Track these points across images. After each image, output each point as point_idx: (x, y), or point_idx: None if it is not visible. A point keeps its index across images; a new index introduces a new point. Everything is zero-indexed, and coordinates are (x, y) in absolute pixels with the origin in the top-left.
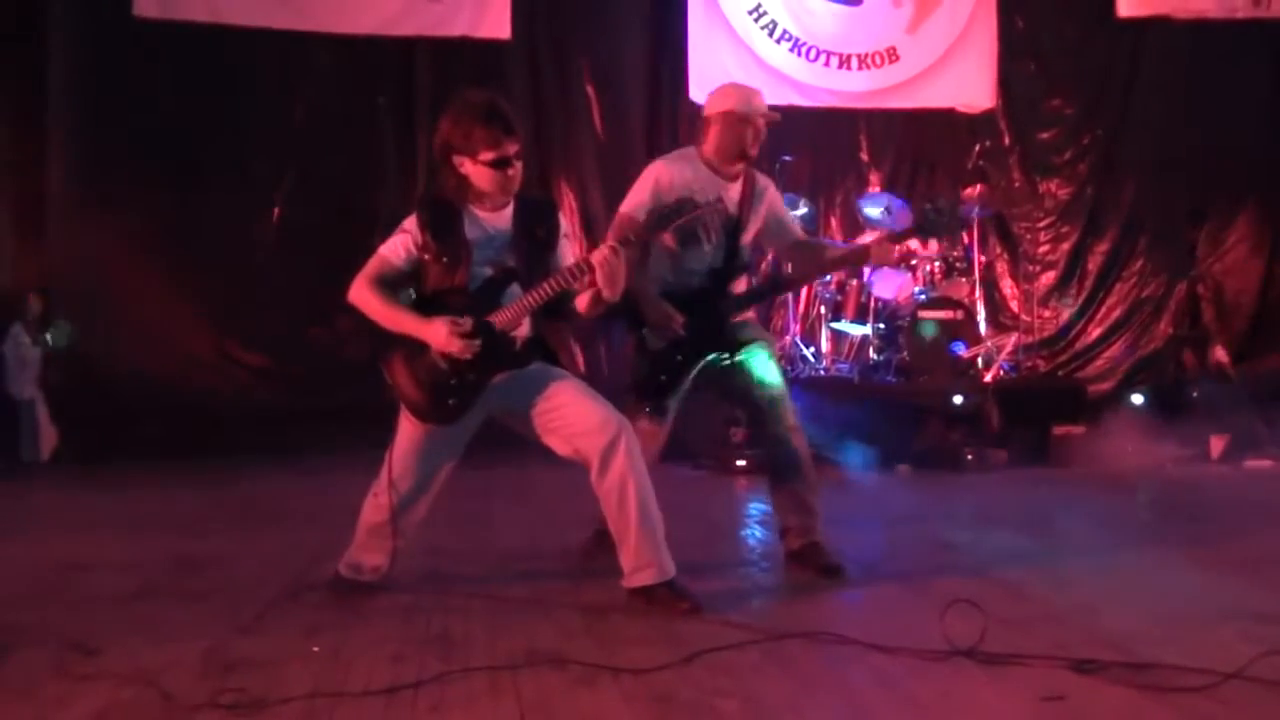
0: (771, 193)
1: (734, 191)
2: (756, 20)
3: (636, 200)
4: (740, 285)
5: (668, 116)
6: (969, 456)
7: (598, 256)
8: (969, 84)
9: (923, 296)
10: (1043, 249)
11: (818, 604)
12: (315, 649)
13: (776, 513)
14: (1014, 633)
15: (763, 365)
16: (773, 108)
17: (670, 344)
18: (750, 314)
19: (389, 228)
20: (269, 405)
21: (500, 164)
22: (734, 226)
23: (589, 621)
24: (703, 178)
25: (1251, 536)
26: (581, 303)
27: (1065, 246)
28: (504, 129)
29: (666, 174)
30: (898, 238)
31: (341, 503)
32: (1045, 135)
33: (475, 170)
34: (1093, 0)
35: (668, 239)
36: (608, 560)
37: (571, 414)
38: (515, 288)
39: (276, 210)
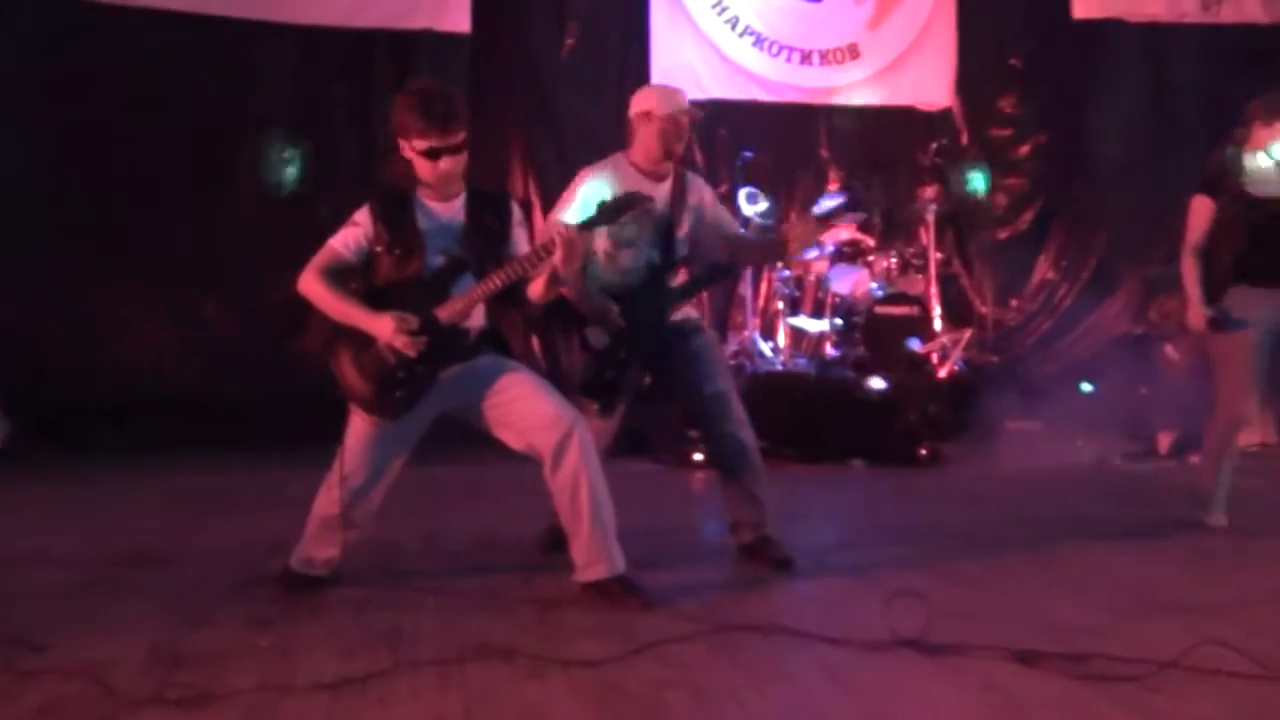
0: (699, 188)
1: (663, 191)
2: (720, 15)
3: (566, 205)
4: (678, 279)
5: None
6: (922, 451)
7: (561, 234)
8: (928, 82)
9: (879, 293)
10: (997, 246)
11: (767, 597)
12: (264, 643)
13: (727, 507)
14: (959, 624)
15: (709, 360)
16: (735, 103)
17: (613, 341)
18: (694, 310)
19: (344, 219)
20: (224, 397)
21: (431, 154)
22: (666, 224)
23: (540, 615)
24: (630, 181)
25: (1193, 530)
26: (536, 288)
27: (1020, 243)
28: (434, 119)
29: (595, 180)
30: (827, 216)
31: (295, 496)
32: (1002, 133)
33: (413, 157)
34: (1050, 1)
35: (600, 243)
36: (559, 554)
37: (525, 408)
38: (468, 278)
39: (231, 201)
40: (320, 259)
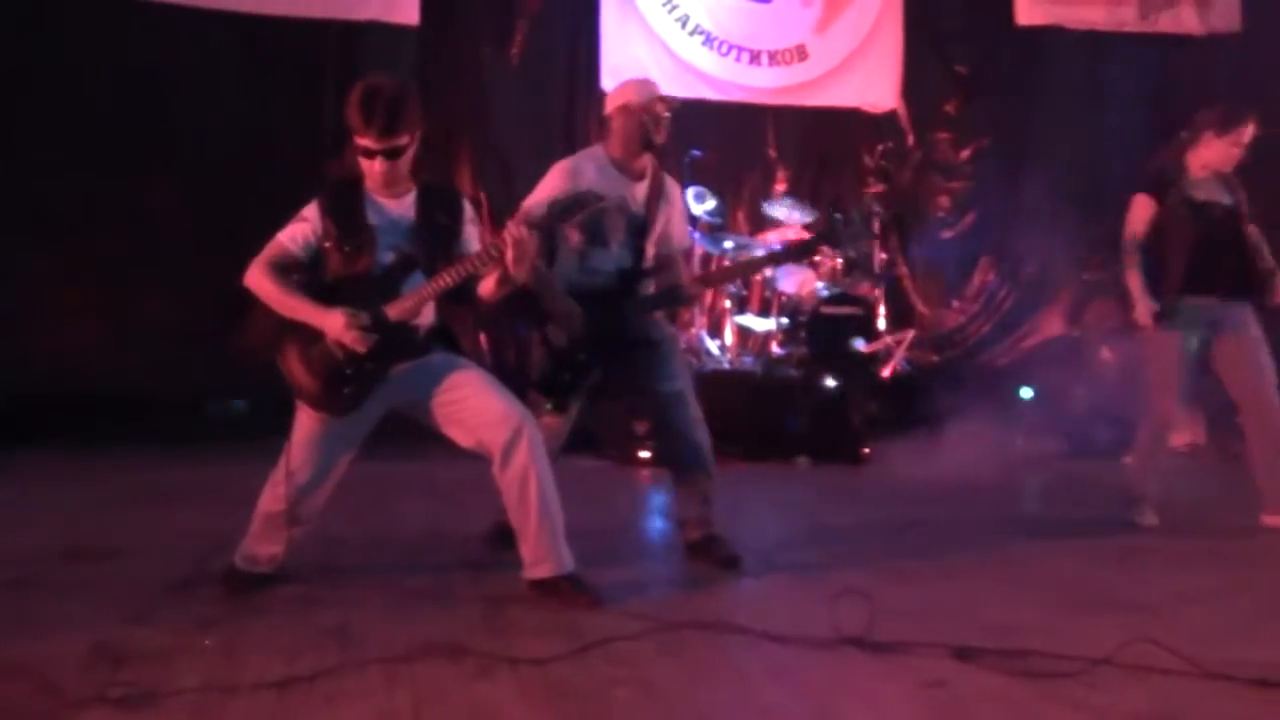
0: (674, 197)
1: (640, 191)
2: (670, 13)
3: (541, 196)
4: (650, 287)
5: (583, 107)
6: (865, 450)
7: (511, 233)
8: (874, 84)
9: (825, 293)
10: (942, 247)
11: (715, 594)
12: (207, 642)
13: (677, 504)
14: (900, 621)
15: (667, 360)
16: (684, 101)
17: (573, 342)
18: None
19: (290, 212)
20: (167, 391)
21: (366, 154)
22: (640, 226)
23: (488, 613)
24: (609, 176)
25: (1125, 529)
26: (486, 286)
27: (962, 246)
28: (369, 120)
29: (572, 171)
30: (798, 252)
31: (241, 492)
32: (946, 136)
33: (357, 152)
34: (994, 6)
35: (573, 236)
36: (508, 551)
37: (474, 405)
38: (418, 275)
39: (174, 191)
40: (267, 253)
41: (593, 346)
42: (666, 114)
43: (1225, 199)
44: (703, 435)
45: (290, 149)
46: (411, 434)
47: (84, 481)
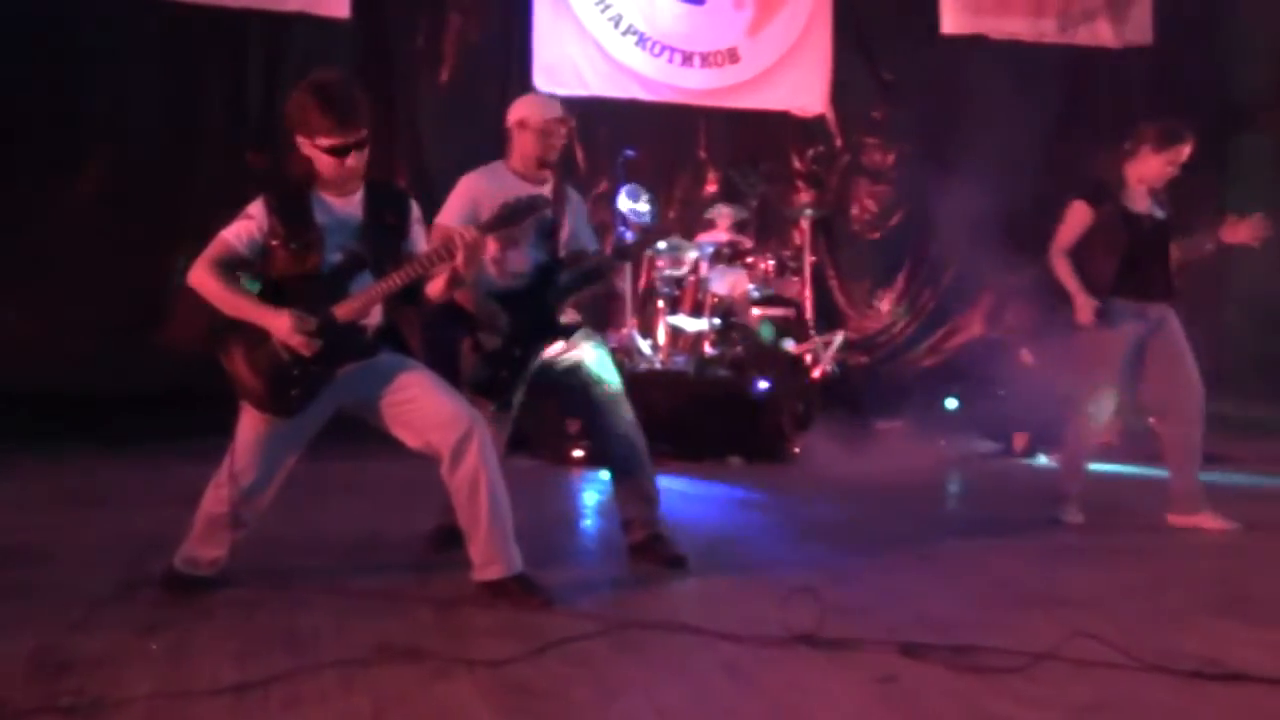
0: (577, 203)
1: (545, 193)
2: (603, 12)
3: (452, 212)
4: (564, 278)
5: None
6: (796, 450)
7: (465, 236)
8: (804, 88)
9: (756, 294)
10: (868, 250)
11: (663, 594)
12: (154, 647)
13: (619, 506)
14: (845, 619)
15: (599, 363)
16: (617, 101)
17: (506, 341)
18: (578, 316)
19: (215, 206)
20: (97, 390)
21: (336, 152)
22: (549, 226)
23: (439, 614)
24: (511, 187)
25: (1052, 527)
26: (435, 287)
27: (886, 249)
28: (339, 117)
29: (478, 186)
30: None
31: (173, 493)
32: (874, 140)
33: (314, 154)
34: (921, 15)
35: (490, 245)
36: (453, 552)
37: (424, 407)
38: (366, 275)
39: (97, 187)
40: (211, 251)
41: (526, 341)
42: (562, 132)
43: (1157, 212)
44: (639, 436)
45: (215, 141)
46: (349, 431)
47: (16, 482)
